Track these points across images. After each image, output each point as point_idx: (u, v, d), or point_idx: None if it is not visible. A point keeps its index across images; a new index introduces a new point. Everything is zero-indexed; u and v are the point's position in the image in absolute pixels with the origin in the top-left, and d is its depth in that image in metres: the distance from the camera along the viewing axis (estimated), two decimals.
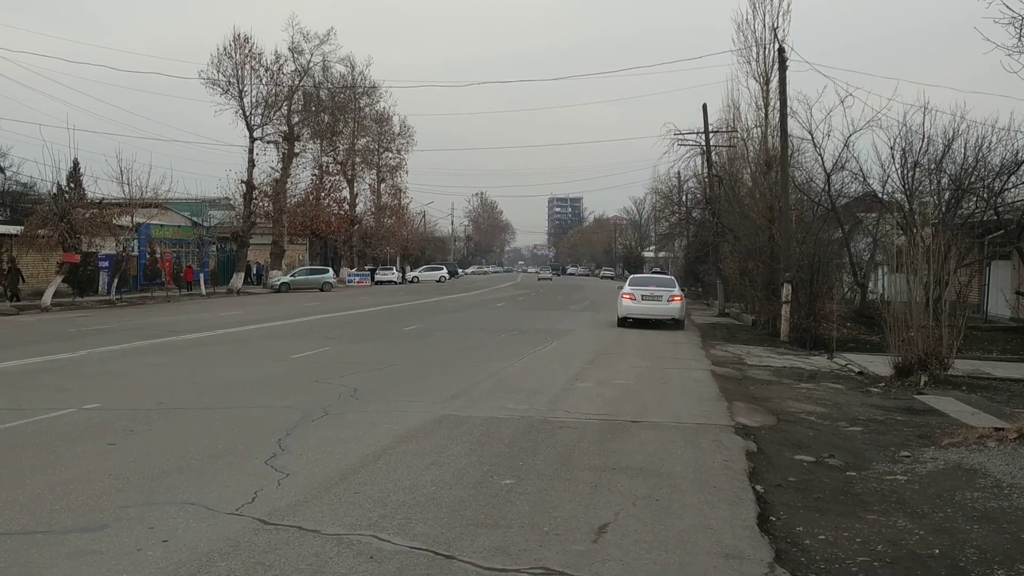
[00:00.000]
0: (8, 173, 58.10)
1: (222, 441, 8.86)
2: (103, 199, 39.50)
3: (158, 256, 47.02)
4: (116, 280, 39.38)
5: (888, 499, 7.38)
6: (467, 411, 10.98)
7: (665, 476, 7.82)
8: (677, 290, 28.49)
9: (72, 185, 37.67)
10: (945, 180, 24.96)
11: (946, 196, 24.74)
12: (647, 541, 5.95)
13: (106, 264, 40.62)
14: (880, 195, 27.19)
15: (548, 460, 8.34)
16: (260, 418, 10.25)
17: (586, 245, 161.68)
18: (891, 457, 9.09)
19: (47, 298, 33.67)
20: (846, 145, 26.52)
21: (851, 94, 28.66)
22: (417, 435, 9.39)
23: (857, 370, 17.04)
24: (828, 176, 27.35)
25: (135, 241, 42.81)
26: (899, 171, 25.17)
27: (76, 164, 38.20)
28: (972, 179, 24.33)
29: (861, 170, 27.62)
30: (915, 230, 18.55)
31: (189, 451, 8.34)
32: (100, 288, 40.73)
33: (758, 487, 7.60)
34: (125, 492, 6.84)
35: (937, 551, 5.98)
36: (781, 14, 30.35)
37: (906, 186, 25.09)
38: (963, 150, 24.35)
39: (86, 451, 8.30)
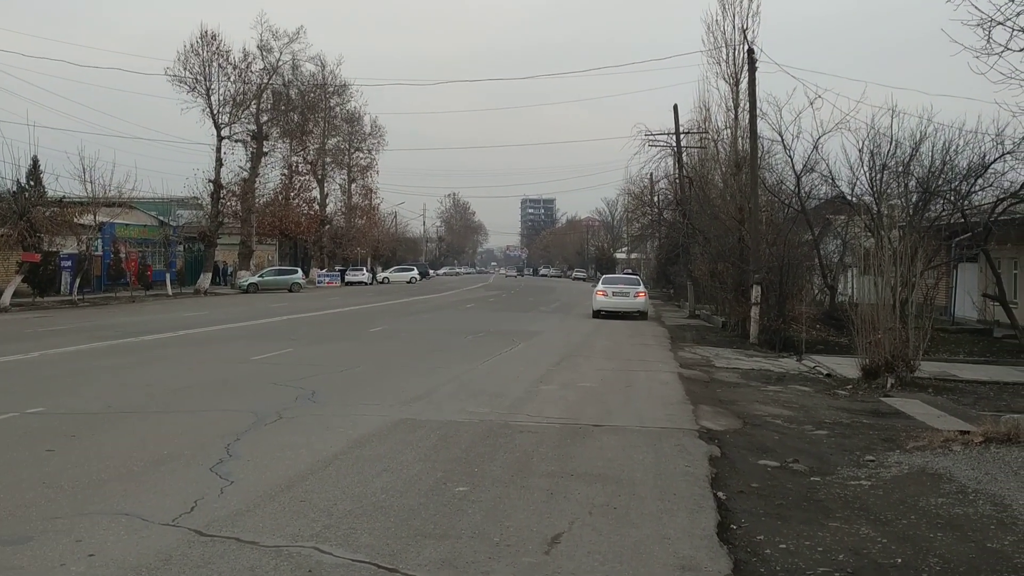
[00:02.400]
0: None
1: (168, 447, 8.53)
2: (64, 197, 38.77)
3: (123, 256, 46.26)
4: (78, 280, 38.66)
5: (852, 505, 7.20)
6: (426, 415, 10.71)
7: (624, 483, 7.59)
8: (642, 287, 34.75)
9: (32, 183, 36.88)
10: (913, 183, 24.95)
11: (914, 199, 24.74)
12: (601, 552, 5.71)
13: (68, 264, 39.88)
14: (849, 197, 27.20)
15: (505, 466, 8.08)
16: (211, 422, 9.91)
17: (559, 246, 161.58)
18: (856, 461, 8.93)
19: (6, 298, 32.97)
20: (816, 147, 26.48)
21: (820, 96, 28.65)
22: (372, 440, 9.10)
23: (825, 372, 16.94)
24: (798, 178, 27.30)
25: (99, 240, 42.11)
26: (867, 174, 25.15)
27: (36, 161, 37.44)
28: (939, 182, 24.34)
29: (830, 172, 27.61)
30: (883, 232, 18.45)
31: (131, 457, 8.01)
32: (62, 288, 39.98)
33: (720, 494, 7.40)
34: (56, 502, 6.51)
35: (900, 560, 5.79)
36: (750, 15, 30.43)
37: (874, 189, 25.07)
38: (930, 153, 24.36)
39: (22, 458, 7.93)
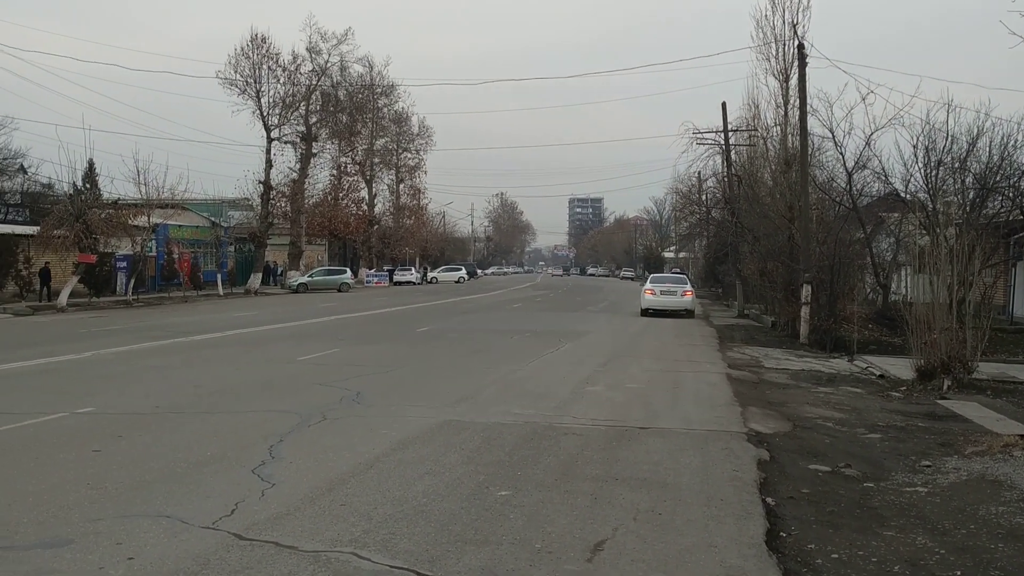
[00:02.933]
0: (29, 173, 58.44)
1: (212, 448, 8.55)
2: (119, 199, 39.48)
3: (175, 256, 46.95)
4: (133, 280, 39.32)
5: (907, 513, 6.96)
6: (470, 416, 10.62)
7: (670, 487, 7.42)
8: (689, 286, 35.68)
9: (88, 185, 37.61)
10: (969, 179, 24.36)
11: (970, 195, 24.14)
12: (645, 560, 5.56)
13: (123, 264, 40.59)
14: (903, 194, 26.59)
15: (548, 469, 7.96)
16: (255, 423, 9.93)
17: (606, 246, 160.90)
18: (911, 467, 8.65)
19: (63, 299, 33.64)
20: (868, 143, 25.89)
21: (873, 91, 27.99)
22: (415, 442, 9.04)
23: (878, 373, 16.54)
24: (849, 175, 26.77)
25: (152, 241, 42.81)
26: (922, 170, 24.55)
27: (92, 164, 38.21)
28: (997, 178, 23.72)
29: (883, 169, 27.01)
30: (938, 230, 18.01)
31: (176, 458, 8.04)
32: (118, 288, 40.69)
33: (769, 500, 7.20)
34: (99, 503, 6.53)
35: (959, 573, 5.56)
36: (801, 10, 29.74)
37: (929, 185, 24.48)
38: (988, 148, 23.77)
39: (69, 458, 8.00)
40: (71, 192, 37.38)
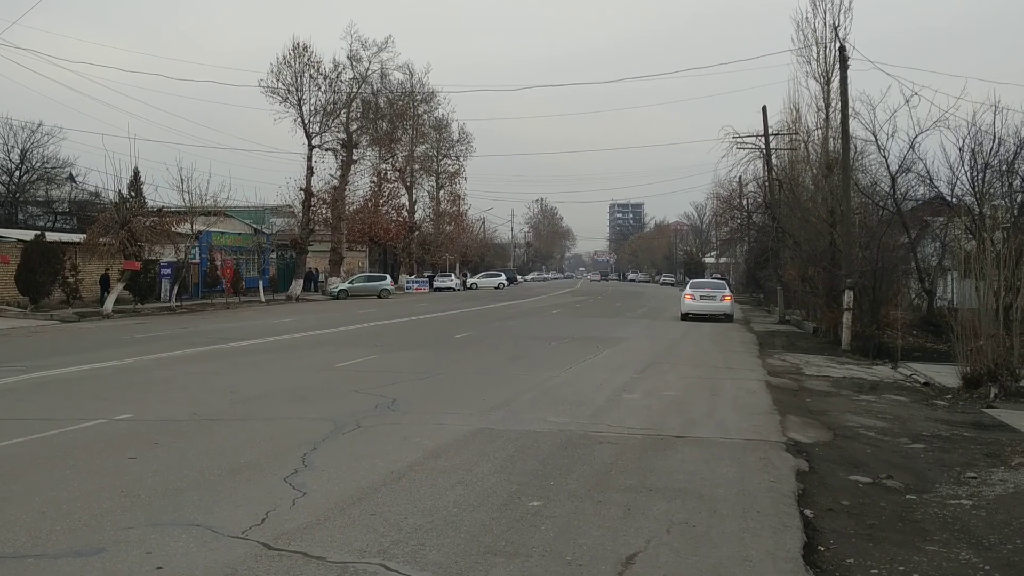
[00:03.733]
0: (77, 182, 59.54)
1: (246, 455, 8.57)
2: (163, 207, 40.05)
3: (218, 263, 47.52)
4: (176, 287, 39.84)
5: (951, 527, 6.76)
6: (505, 424, 10.55)
7: (706, 498, 7.29)
8: (727, 291, 36.67)
9: (133, 193, 38.12)
10: (1017, 182, 23.87)
11: (1018, 199, 23.65)
12: (677, 574, 5.45)
13: (167, 271, 41.13)
14: (948, 198, 26.09)
15: (582, 479, 7.86)
16: (290, 430, 9.95)
17: (647, 251, 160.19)
18: (956, 478, 8.42)
19: (108, 305, 34.17)
20: (912, 147, 25.46)
21: (917, 93, 27.44)
22: (448, 450, 8.99)
23: (922, 381, 16.20)
24: (893, 179, 26.31)
25: (196, 248, 43.35)
26: (968, 173, 24.11)
27: (137, 173, 38.63)
28: None
29: (928, 172, 26.55)
30: (985, 234, 17.60)
31: (209, 466, 8.06)
32: (162, 295, 41.24)
33: (807, 512, 7.03)
34: (131, 511, 6.55)
35: None
36: (842, 12, 29.50)
37: (976, 188, 24.01)
38: None
39: (104, 465, 8.06)
40: (116, 200, 37.97)
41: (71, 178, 59.31)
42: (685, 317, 33.92)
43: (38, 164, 56.11)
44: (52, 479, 7.51)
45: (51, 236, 38.26)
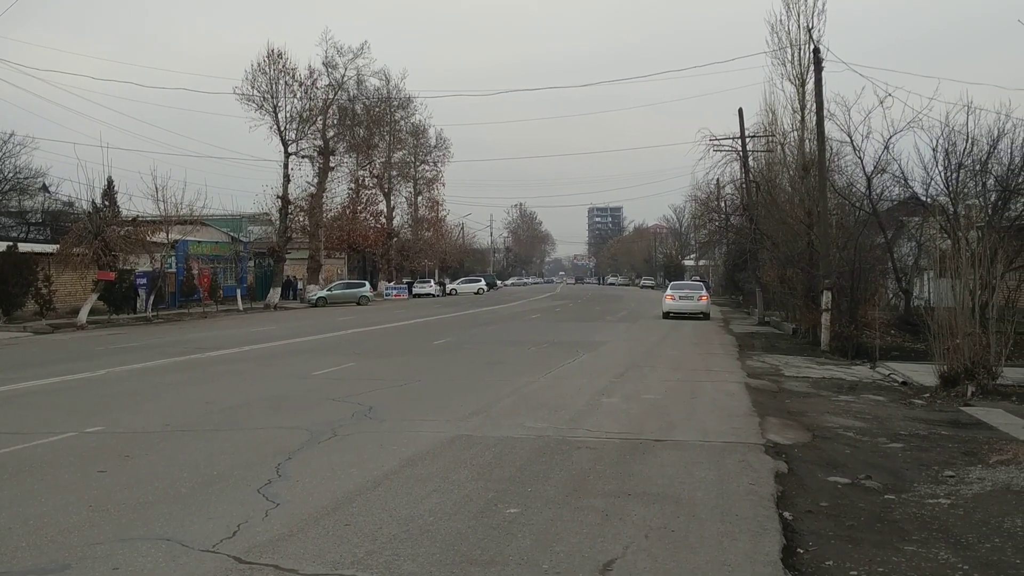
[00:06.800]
0: (50, 192, 58.90)
1: (219, 466, 8.43)
2: (138, 216, 39.67)
3: (195, 272, 47.13)
4: (152, 297, 39.45)
5: (929, 527, 6.73)
6: (482, 430, 10.46)
7: (684, 503, 7.22)
8: (704, 292, 41.05)
9: (107, 203, 37.66)
10: (991, 181, 23.95)
11: (992, 198, 23.73)
12: None
13: (143, 281, 40.69)
14: (923, 198, 26.21)
15: (559, 485, 7.78)
16: (265, 440, 9.81)
17: (626, 254, 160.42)
18: (934, 477, 8.40)
19: (82, 316, 33.77)
20: (886, 147, 25.52)
21: (890, 94, 27.55)
22: (425, 458, 8.88)
23: (900, 380, 16.24)
24: (869, 179, 26.41)
25: (172, 257, 42.97)
26: (942, 173, 24.17)
27: (110, 182, 38.09)
28: (1020, 179, 23.30)
29: (903, 173, 26.62)
30: (960, 233, 17.68)
31: (181, 478, 7.91)
32: (138, 305, 40.79)
33: (786, 514, 6.98)
34: (100, 526, 6.41)
35: None
36: (816, 14, 29.56)
37: (950, 188, 24.10)
38: (1009, 150, 23.33)
39: (73, 479, 7.90)
40: (90, 210, 37.56)
41: (44, 188, 58.65)
42: (666, 316, 36.97)
43: (11, 175, 55.47)
44: (19, 494, 7.35)
45: (24, 247, 37.72)
